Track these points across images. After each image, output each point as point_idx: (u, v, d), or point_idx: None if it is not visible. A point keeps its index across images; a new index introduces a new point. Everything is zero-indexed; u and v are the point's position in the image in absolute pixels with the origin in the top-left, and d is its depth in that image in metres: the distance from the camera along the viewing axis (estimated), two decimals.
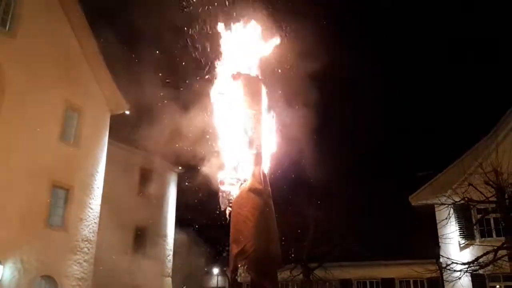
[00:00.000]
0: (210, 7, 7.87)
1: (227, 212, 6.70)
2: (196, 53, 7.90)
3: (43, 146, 16.09)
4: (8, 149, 14.88)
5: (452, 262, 16.37)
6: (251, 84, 7.09)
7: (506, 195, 15.31)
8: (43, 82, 16.25)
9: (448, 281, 17.00)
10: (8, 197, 14.58)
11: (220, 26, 7.43)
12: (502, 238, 16.38)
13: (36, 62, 16.15)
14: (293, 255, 22.24)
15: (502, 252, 15.26)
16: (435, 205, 18.29)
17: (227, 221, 6.59)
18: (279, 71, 7.84)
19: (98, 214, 17.76)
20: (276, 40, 7.58)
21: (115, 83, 18.82)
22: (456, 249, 19.96)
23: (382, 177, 28.47)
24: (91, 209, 17.53)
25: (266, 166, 6.98)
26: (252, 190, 6.44)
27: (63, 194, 16.73)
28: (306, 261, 23.33)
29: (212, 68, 7.46)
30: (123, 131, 19.52)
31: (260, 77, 7.33)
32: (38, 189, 15.71)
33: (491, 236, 19.80)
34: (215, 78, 7.38)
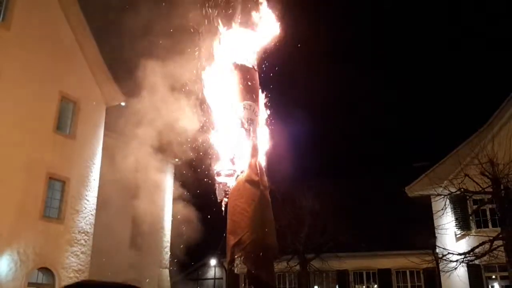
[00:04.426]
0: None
1: (224, 203, 6.69)
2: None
3: (39, 138, 16.01)
4: (4, 141, 14.79)
5: (448, 253, 16.47)
6: (247, 75, 7.04)
7: (501, 186, 15.34)
8: (37, 74, 16.13)
9: (444, 271, 17.09)
10: (4, 190, 14.53)
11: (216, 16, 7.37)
12: (498, 229, 16.45)
13: (31, 54, 16.01)
14: (290, 247, 22.25)
15: (498, 243, 15.33)
16: (431, 196, 18.31)
17: (224, 213, 6.58)
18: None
19: (94, 206, 17.73)
20: (275, 31, 7.51)
21: (110, 75, 18.70)
22: (452, 239, 20.07)
23: (378, 168, 28.57)
24: (88, 201, 17.51)
25: (262, 158, 6.95)
26: (248, 181, 6.41)
27: (59, 186, 16.68)
28: (303, 252, 23.39)
29: (208, 58, 7.40)
30: (118, 121, 19.38)
31: (256, 68, 7.27)
32: (34, 181, 15.65)
33: (487, 226, 19.92)
34: (212, 69, 7.32)
